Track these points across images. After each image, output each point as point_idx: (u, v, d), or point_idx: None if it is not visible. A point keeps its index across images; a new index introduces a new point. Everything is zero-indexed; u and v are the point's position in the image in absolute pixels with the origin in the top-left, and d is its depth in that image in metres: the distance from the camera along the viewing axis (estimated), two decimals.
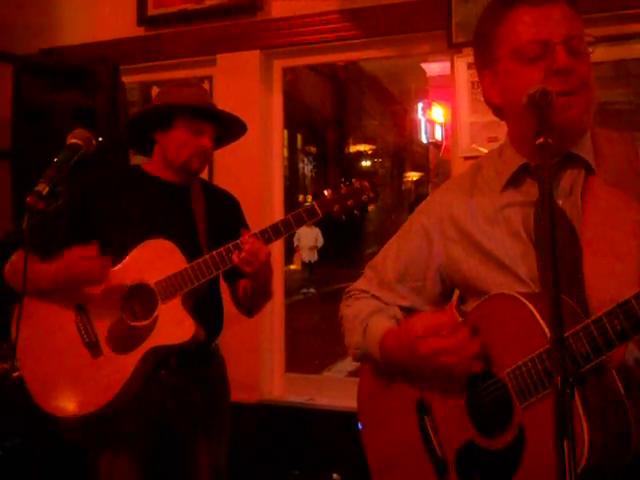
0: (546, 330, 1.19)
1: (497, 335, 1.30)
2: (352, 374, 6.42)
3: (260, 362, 3.39)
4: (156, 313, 2.09)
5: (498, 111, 1.45)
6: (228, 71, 3.44)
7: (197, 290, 2.13)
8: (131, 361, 2.07)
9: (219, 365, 2.37)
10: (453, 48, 3.02)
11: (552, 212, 1.07)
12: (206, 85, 3.52)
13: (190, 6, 3.50)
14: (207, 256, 2.10)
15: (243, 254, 2.05)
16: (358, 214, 2.12)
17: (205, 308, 2.21)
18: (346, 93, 15.19)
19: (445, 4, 2.99)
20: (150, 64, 3.62)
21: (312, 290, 12.88)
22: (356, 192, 2.10)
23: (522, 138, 1.40)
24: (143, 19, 3.61)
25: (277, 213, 3.47)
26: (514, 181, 1.41)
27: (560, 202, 1.36)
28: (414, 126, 15.20)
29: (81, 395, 2.08)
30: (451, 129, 3.19)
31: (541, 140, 1.15)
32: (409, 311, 1.57)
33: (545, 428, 1.13)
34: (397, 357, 1.42)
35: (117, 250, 2.15)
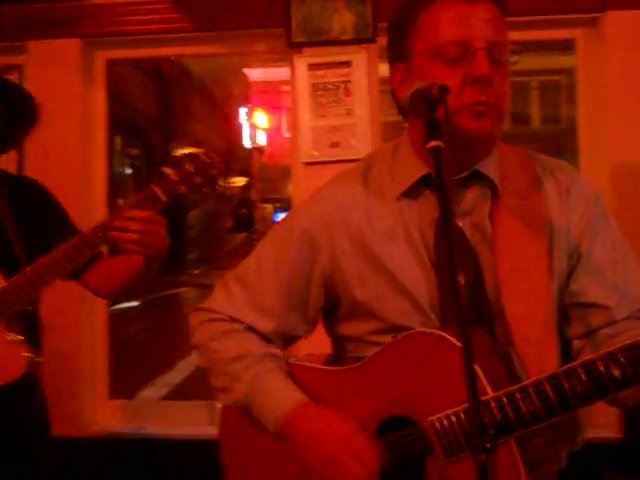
0: (487, 387, 1.09)
1: (427, 378, 1.16)
2: (179, 388, 6.14)
3: (80, 387, 3.03)
4: None
5: (403, 111, 1.28)
6: (42, 60, 3.05)
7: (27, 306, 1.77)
8: None
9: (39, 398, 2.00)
10: (293, 48, 2.89)
11: (452, 233, 0.94)
12: (13, 75, 3.09)
13: None
14: (54, 254, 1.73)
15: (139, 226, 1.68)
16: (209, 192, 1.78)
17: (34, 326, 1.85)
18: (171, 94, 14.71)
19: (284, 1, 2.86)
20: None
21: (134, 303, 12.23)
22: (204, 167, 1.74)
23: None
24: None
25: (99, 217, 3.12)
26: (412, 191, 1.27)
27: (460, 223, 1.24)
28: (238, 131, 15.11)
29: None
30: (292, 133, 3.06)
31: (432, 144, 1.00)
32: (282, 336, 1.37)
33: None
34: (302, 444, 1.24)
35: None
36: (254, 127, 15.08)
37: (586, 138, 2.91)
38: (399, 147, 1.33)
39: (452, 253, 0.93)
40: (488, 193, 1.25)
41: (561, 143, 12.94)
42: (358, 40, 2.82)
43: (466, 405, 1.04)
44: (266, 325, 1.35)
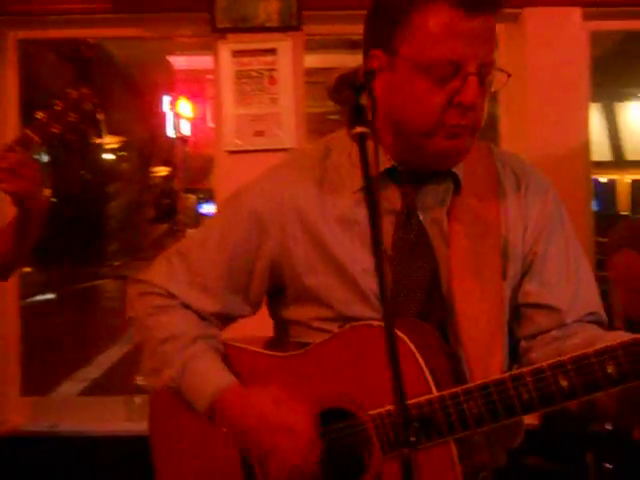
0: (429, 379, 1.07)
1: (368, 371, 1.13)
2: (97, 383, 5.96)
3: None
4: None
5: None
6: None
7: None
8: None
9: None
10: (217, 33, 2.82)
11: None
12: None
13: None
14: None
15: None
16: (88, 129, 1.79)
17: None
18: (91, 79, 14.23)
19: None
20: None
21: (50, 295, 11.80)
22: (76, 103, 1.75)
23: (393, 141, 1.22)
24: None
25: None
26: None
27: (421, 217, 1.21)
28: (161, 120, 14.77)
29: None
30: (214, 121, 2.99)
31: (357, 130, 0.97)
32: (221, 316, 1.32)
33: None
34: (236, 426, 1.20)
35: None
36: (178, 116, 14.79)
37: (506, 134, 2.96)
38: None
39: (378, 245, 0.90)
40: (451, 189, 1.23)
41: (481, 138, 13.23)
42: (283, 28, 2.77)
43: (413, 400, 1.05)
44: (204, 304, 1.30)
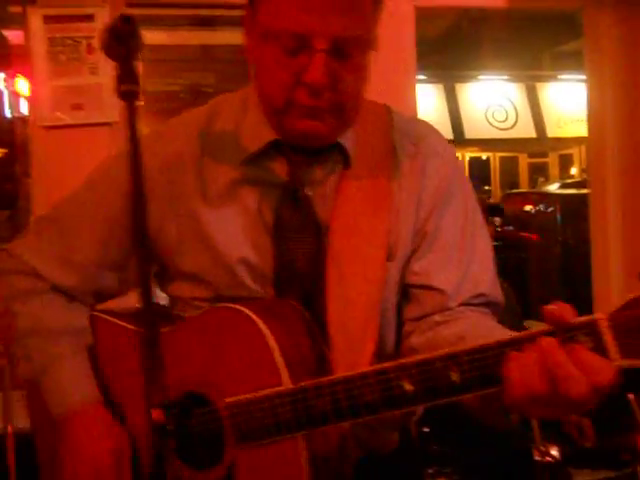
0: (283, 370, 0.99)
1: (225, 356, 1.05)
2: None
3: None
4: None
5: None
6: None
7: None
8: None
9: None
10: None
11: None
12: None
13: None
14: None
15: None
16: None
17: None
18: None
19: None
20: None
21: None
22: None
23: (267, 112, 1.11)
24: None
25: None
26: (258, 156, 1.12)
27: (310, 192, 1.12)
28: None
29: None
30: (30, 94, 2.76)
31: (123, 88, 0.88)
32: (95, 294, 1.22)
33: (260, 476, 1.02)
34: (66, 448, 1.14)
35: None
36: (16, 95, 13.82)
37: None
38: (247, 104, 1.16)
39: (141, 221, 0.82)
40: (341, 163, 1.14)
41: None
42: None
43: (265, 392, 0.99)
44: (73, 281, 1.19)
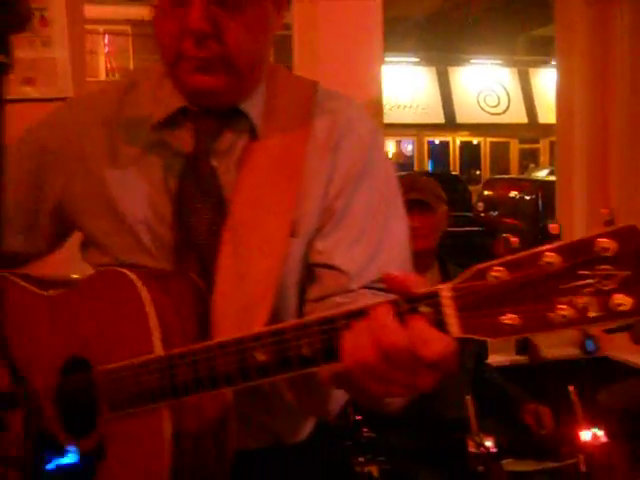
0: (156, 337, 0.95)
1: (106, 320, 1.03)
2: None
3: None
4: None
5: None
6: None
7: None
8: None
9: None
10: None
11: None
12: None
13: None
14: None
15: None
16: None
17: None
18: None
19: None
20: None
21: None
22: None
23: (167, 72, 1.09)
24: None
25: None
26: (170, 121, 1.10)
27: (215, 163, 1.08)
28: None
29: None
30: None
31: None
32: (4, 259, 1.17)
33: (128, 447, 0.99)
34: None
35: None
36: None
37: None
38: (166, 73, 1.14)
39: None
40: (247, 133, 1.10)
41: None
42: None
43: (136, 359, 0.95)
44: None
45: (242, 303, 1.03)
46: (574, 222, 3.24)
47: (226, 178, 1.09)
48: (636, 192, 3.10)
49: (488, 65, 14.53)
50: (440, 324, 0.73)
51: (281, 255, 1.06)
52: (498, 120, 14.74)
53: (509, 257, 0.70)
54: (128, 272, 1.00)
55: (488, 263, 0.71)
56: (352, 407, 1.95)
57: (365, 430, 1.95)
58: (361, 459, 1.83)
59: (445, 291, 0.73)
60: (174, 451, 0.93)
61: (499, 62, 14.55)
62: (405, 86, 14.15)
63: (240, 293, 1.04)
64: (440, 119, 14.17)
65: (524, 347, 2.99)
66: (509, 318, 0.70)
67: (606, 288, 0.67)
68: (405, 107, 14.28)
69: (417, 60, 12.94)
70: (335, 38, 2.81)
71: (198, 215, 1.09)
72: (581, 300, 0.67)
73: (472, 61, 14.44)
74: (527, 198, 7.54)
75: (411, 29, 7.74)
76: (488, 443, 1.78)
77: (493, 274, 0.70)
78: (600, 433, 1.93)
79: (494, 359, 2.81)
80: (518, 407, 2.27)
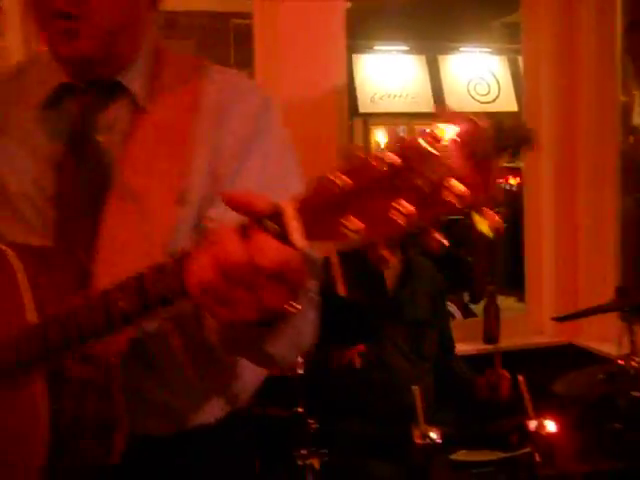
0: (28, 307, 0.96)
1: None
2: None
3: None
4: None
5: None
6: None
7: None
8: None
9: None
10: None
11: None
12: None
13: None
14: None
15: None
16: None
17: None
18: None
19: None
20: None
21: None
22: None
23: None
24: None
25: None
26: (54, 100, 1.14)
27: (101, 138, 1.10)
28: None
29: None
30: None
31: None
32: None
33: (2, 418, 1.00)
34: None
35: None
36: None
37: (261, 75, 2.90)
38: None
39: None
40: (130, 105, 1.12)
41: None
42: None
43: (10, 329, 0.96)
44: None
45: (122, 270, 1.01)
46: (541, 201, 3.23)
47: (112, 152, 1.10)
48: (604, 172, 3.10)
49: (477, 53, 14.45)
50: (283, 237, 0.72)
51: (166, 223, 1.06)
52: (488, 108, 14.66)
53: (354, 164, 0.69)
54: (5, 247, 1.01)
55: (330, 172, 0.70)
56: (297, 396, 1.94)
57: (311, 422, 1.93)
58: (303, 451, 1.81)
59: (289, 203, 0.72)
60: (52, 428, 0.92)
61: (488, 50, 14.47)
62: (395, 75, 14.07)
63: (121, 261, 1.03)
64: (430, 108, 14.10)
65: (491, 337, 2.97)
66: (352, 223, 0.69)
67: (439, 180, 0.66)
68: (395, 96, 14.18)
69: (406, 49, 12.86)
70: (297, 24, 2.78)
71: (81, 189, 1.10)
72: (417, 196, 0.67)
73: (461, 49, 14.36)
74: (506, 186, 7.52)
75: (396, 15, 7.66)
76: (433, 435, 1.75)
77: (337, 181, 0.69)
78: (549, 423, 1.92)
79: (460, 347, 2.80)
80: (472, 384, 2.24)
